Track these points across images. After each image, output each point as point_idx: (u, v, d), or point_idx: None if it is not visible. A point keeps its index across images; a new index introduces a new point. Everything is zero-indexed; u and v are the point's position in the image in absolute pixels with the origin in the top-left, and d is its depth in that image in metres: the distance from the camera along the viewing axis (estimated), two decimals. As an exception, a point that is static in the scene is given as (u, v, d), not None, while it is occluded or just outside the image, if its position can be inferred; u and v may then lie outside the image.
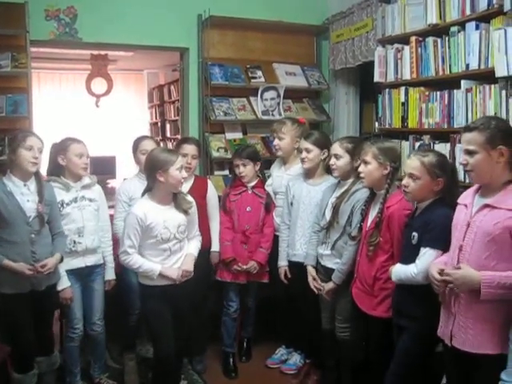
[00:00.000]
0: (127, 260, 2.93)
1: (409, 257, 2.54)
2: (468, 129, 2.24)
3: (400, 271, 2.57)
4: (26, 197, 2.90)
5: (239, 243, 3.66)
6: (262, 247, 3.69)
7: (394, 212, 2.75)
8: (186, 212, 3.00)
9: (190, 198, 3.09)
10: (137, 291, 3.34)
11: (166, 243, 2.95)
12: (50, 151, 3.23)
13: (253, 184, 3.72)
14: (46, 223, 2.99)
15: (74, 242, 3.16)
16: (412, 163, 2.57)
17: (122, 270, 3.41)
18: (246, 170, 3.66)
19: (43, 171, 3.17)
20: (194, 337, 3.51)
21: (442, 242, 2.41)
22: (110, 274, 3.39)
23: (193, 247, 3.11)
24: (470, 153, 2.20)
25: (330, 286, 3.20)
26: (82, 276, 3.23)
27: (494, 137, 2.14)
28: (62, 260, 3.03)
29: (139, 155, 3.48)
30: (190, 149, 3.54)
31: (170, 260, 2.97)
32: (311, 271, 3.35)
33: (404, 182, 2.59)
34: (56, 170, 3.20)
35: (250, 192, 3.71)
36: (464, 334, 2.20)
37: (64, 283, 3.11)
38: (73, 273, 3.17)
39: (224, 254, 3.65)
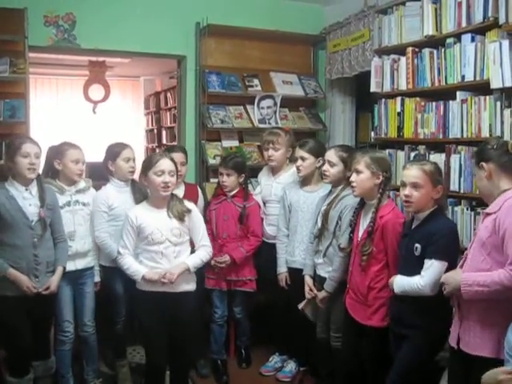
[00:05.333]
0: (118, 259, 3.05)
1: (411, 268, 2.53)
2: None
3: (403, 283, 2.56)
4: (27, 201, 2.92)
5: (217, 252, 3.62)
6: (242, 247, 3.67)
7: (389, 221, 2.75)
8: (180, 218, 3.00)
9: (189, 204, 3.11)
10: (121, 299, 3.38)
11: (158, 245, 2.96)
12: (46, 154, 3.24)
13: (233, 193, 3.71)
14: (49, 226, 3.00)
15: None
16: (413, 172, 2.56)
17: (106, 278, 3.41)
18: (229, 180, 3.66)
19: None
20: (195, 341, 3.48)
21: (447, 254, 2.43)
22: (96, 277, 3.37)
23: (192, 257, 3.07)
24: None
25: (322, 294, 3.20)
26: (73, 279, 3.23)
27: (477, 156, 2.31)
28: (64, 270, 3.06)
29: (120, 162, 3.39)
30: (177, 157, 3.45)
31: (163, 264, 2.97)
32: (308, 281, 3.34)
33: (406, 192, 2.56)
34: (51, 172, 3.21)
35: (229, 201, 3.71)
36: (468, 337, 2.24)
37: None
38: (63, 275, 3.14)
39: None
